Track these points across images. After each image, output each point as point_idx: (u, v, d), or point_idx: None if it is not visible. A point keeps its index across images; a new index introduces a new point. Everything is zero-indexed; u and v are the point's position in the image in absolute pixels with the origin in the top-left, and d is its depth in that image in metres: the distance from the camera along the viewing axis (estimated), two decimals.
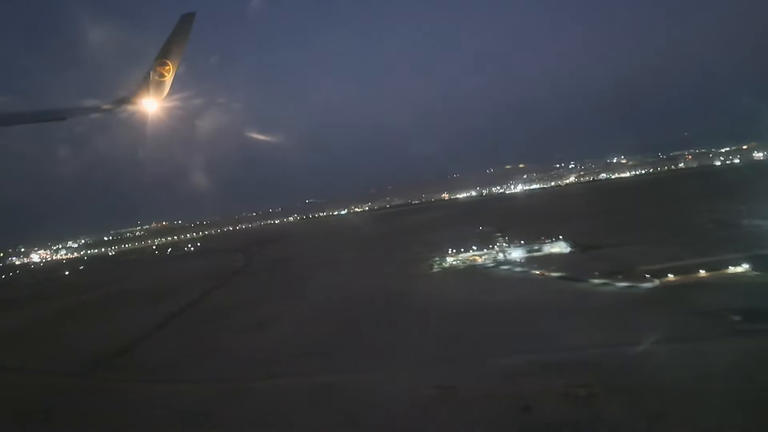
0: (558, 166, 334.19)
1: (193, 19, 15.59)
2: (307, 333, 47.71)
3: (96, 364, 46.39)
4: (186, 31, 15.62)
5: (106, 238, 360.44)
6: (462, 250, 73.59)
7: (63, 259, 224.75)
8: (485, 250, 71.70)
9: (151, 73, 15.54)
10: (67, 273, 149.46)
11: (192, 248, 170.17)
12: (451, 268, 67.37)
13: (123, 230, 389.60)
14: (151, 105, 16.08)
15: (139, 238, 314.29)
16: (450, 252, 73.72)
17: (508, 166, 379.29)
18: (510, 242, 75.53)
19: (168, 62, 15.53)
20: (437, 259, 73.07)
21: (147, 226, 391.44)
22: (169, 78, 15.68)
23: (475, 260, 69.01)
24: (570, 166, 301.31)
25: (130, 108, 16.17)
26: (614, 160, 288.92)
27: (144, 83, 15.86)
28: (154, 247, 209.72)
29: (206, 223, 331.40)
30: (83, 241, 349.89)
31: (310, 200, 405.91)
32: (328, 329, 47.69)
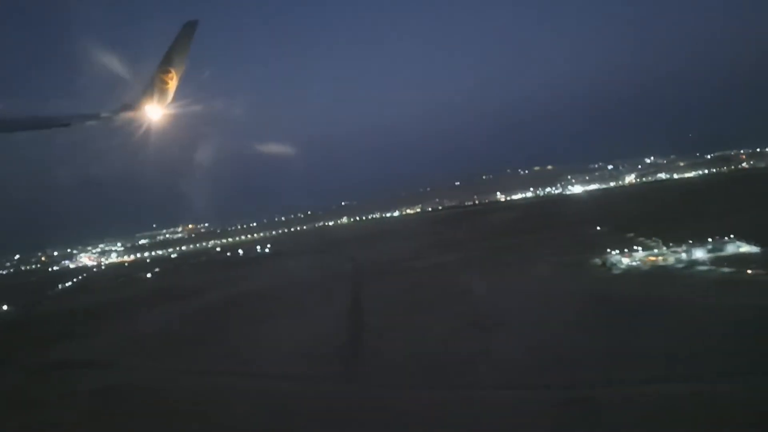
0: (596, 165, 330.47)
1: (195, 26, 15.61)
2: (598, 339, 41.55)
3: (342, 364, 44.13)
4: (189, 38, 15.67)
5: (142, 242, 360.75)
6: (625, 250, 70.68)
7: (124, 262, 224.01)
8: (655, 251, 68.83)
9: (155, 80, 15.70)
10: (149, 275, 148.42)
11: (267, 250, 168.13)
12: (634, 269, 64.28)
13: (154, 234, 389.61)
14: (155, 112, 16.15)
15: (181, 241, 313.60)
16: (610, 252, 70.75)
17: (549, 167, 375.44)
18: (665, 242, 72.61)
19: (171, 70, 15.68)
20: (598, 260, 70.24)
21: (178, 230, 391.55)
22: (172, 85, 15.84)
23: (654, 261, 66.08)
24: (620, 167, 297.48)
25: (134, 115, 16.25)
26: (664, 161, 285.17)
27: (148, 90, 15.95)
28: (218, 249, 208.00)
29: (243, 227, 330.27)
30: (122, 246, 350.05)
31: (345, 202, 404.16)
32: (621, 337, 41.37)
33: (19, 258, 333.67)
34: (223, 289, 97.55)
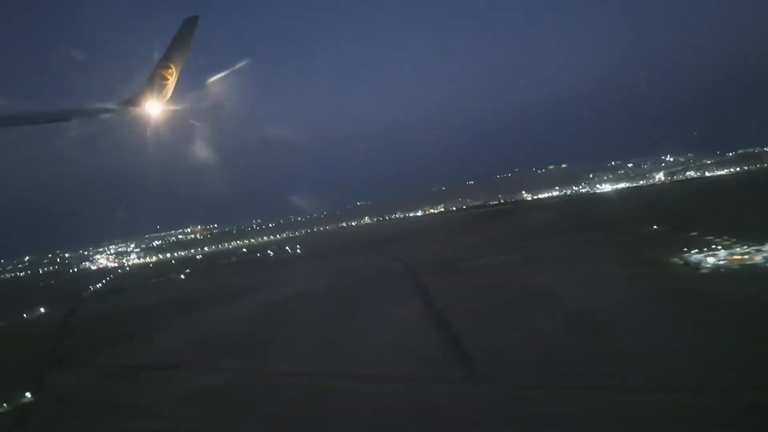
0: (611, 163, 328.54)
1: (196, 22, 15.45)
2: None
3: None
4: (189, 34, 15.56)
5: (155, 243, 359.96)
6: (704, 249, 69.04)
7: (149, 263, 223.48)
8: (736, 249, 66.97)
9: (155, 76, 15.63)
10: (182, 276, 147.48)
11: (298, 251, 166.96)
12: (722, 268, 62.43)
13: (164, 235, 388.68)
14: (155, 107, 16.10)
15: (199, 242, 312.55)
16: (687, 251, 69.08)
17: (563, 165, 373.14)
18: (738, 241, 70.79)
19: (171, 65, 15.62)
20: (677, 260, 68.51)
21: (187, 231, 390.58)
22: (172, 81, 15.78)
23: (739, 259, 64.23)
24: (643, 165, 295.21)
25: (134, 111, 16.18)
26: (681, 159, 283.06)
27: (147, 86, 15.89)
28: (244, 249, 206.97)
29: (259, 228, 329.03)
30: (135, 247, 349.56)
31: (361, 202, 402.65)
32: None
33: (30, 260, 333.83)
34: (274, 289, 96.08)
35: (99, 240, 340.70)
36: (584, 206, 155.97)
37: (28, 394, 53.22)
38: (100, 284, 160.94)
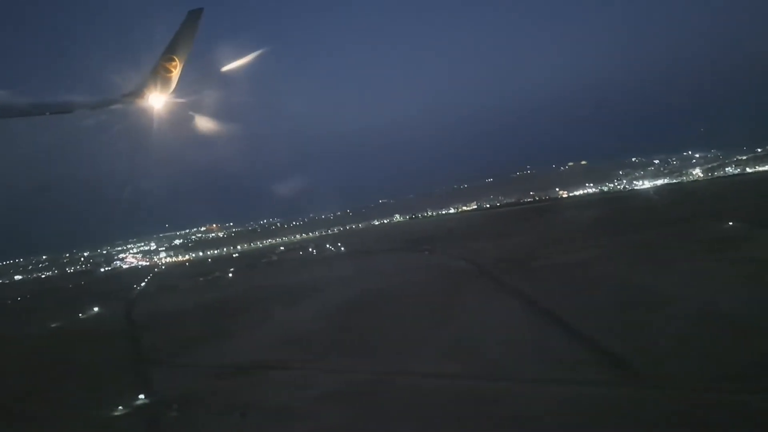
0: (633, 160, 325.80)
1: (200, 14, 15.03)
2: None
3: None
4: (194, 26, 15.26)
5: (177, 242, 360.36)
6: None
7: (186, 262, 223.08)
8: None
9: (158, 68, 15.42)
10: (230, 275, 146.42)
11: (342, 249, 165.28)
12: None
13: (180, 233, 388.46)
14: (159, 100, 15.85)
15: (225, 241, 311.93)
16: None
17: (583, 162, 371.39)
18: None
19: (175, 58, 15.37)
20: None
21: (203, 229, 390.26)
22: (176, 74, 15.50)
23: None
24: (672, 162, 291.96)
25: (137, 103, 15.89)
26: (707, 155, 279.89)
27: (151, 79, 15.68)
28: (281, 248, 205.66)
29: (285, 226, 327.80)
30: (157, 245, 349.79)
31: (383, 200, 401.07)
32: None
33: (48, 258, 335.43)
34: (342, 287, 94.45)
35: (113, 239, 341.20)
36: (634, 203, 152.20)
37: (141, 396, 51.88)
38: (143, 283, 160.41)
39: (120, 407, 49.77)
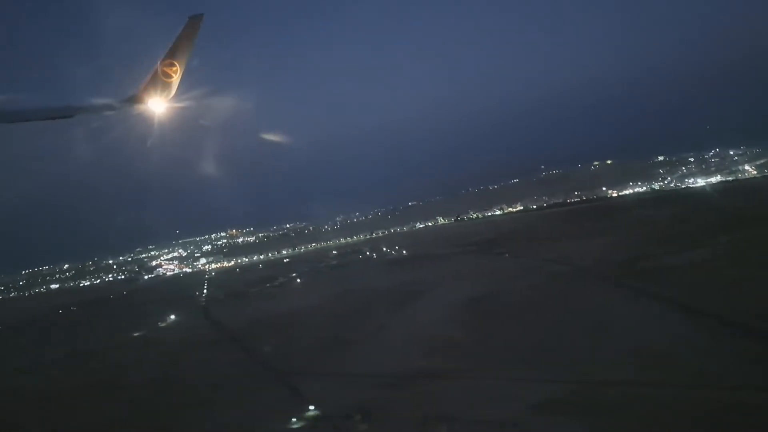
0: (659, 158, 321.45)
1: (201, 20, 15.12)
2: None
3: None
4: (194, 32, 15.34)
5: (207, 248, 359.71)
6: None
7: (236, 267, 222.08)
8: None
9: (158, 73, 15.37)
10: (298, 280, 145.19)
11: (404, 252, 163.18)
12: None
13: (200, 239, 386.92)
14: (159, 105, 15.90)
15: (258, 247, 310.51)
16: None
17: (608, 161, 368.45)
18: None
19: (175, 63, 15.40)
20: None
21: (224, 234, 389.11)
22: (176, 79, 15.56)
23: None
24: (712, 159, 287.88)
25: (138, 107, 15.93)
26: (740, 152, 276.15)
27: (151, 83, 15.68)
28: (334, 251, 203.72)
29: (315, 229, 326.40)
30: (183, 251, 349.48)
31: (412, 202, 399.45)
32: None
33: (70, 267, 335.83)
34: (447, 292, 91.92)
35: (132, 246, 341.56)
36: (709, 201, 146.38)
37: (311, 407, 50.48)
38: (204, 290, 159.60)
39: (297, 421, 48.39)
